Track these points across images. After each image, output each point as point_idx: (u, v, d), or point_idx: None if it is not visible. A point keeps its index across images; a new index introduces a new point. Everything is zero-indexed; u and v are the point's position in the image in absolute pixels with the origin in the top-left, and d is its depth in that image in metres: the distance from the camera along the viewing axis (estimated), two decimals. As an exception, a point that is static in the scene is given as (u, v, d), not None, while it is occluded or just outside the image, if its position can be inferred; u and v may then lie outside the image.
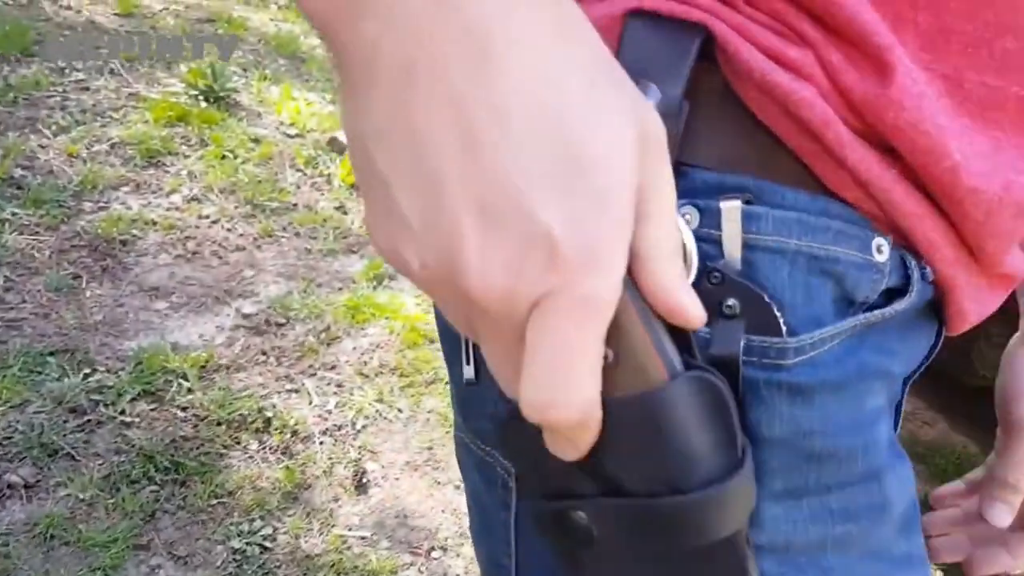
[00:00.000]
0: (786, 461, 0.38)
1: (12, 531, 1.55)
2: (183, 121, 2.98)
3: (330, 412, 2.04)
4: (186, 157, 2.82)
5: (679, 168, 0.38)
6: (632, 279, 0.29)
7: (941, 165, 0.36)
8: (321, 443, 1.94)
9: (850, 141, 0.36)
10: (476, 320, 0.28)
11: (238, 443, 1.88)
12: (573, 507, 0.32)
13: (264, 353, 2.16)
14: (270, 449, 1.89)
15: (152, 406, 1.90)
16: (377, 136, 0.27)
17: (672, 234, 0.29)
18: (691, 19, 0.37)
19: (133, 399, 1.89)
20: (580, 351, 0.26)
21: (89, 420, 1.81)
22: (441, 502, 1.88)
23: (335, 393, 2.10)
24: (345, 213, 2.80)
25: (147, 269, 2.31)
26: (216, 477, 1.76)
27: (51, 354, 1.94)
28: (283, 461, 1.86)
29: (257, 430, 1.92)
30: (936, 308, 0.45)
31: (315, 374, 2.14)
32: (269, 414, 1.96)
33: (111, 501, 1.65)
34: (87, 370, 1.92)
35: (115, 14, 3.60)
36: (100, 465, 1.72)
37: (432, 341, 2.29)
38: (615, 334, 0.28)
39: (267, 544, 1.67)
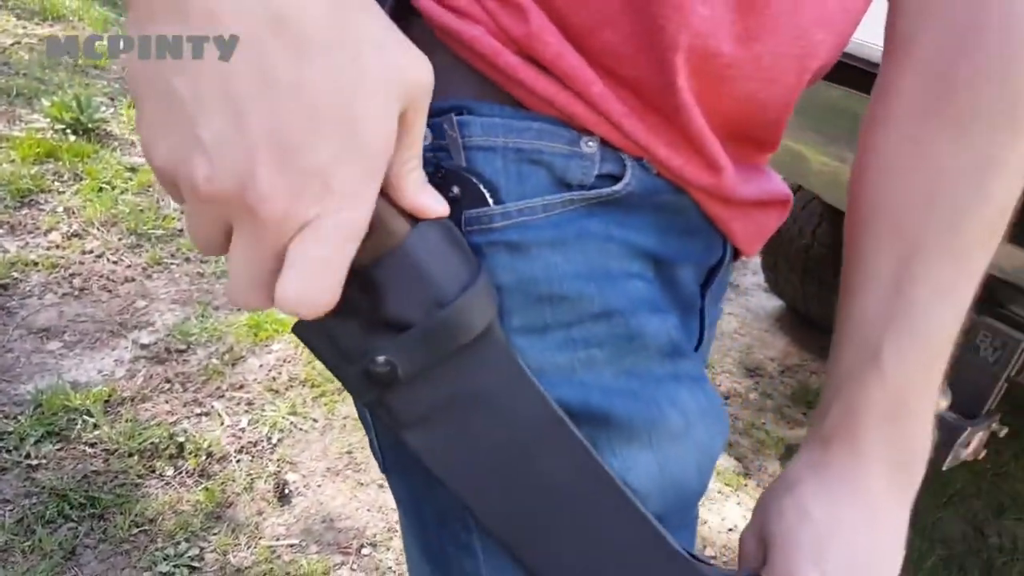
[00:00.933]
0: (519, 302, 0.47)
1: (-77, 589, 1.50)
2: (52, 157, 2.88)
3: (243, 430, 2.04)
4: (60, 193, 2.74)
5: None
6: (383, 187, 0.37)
7: (591, 89, 0.45)
8: (238, 461, 1.95)
9: (521, 65, 0.45)
10: (240, 231, 0.34)
11: (153, 471, 1.86)
12: (376, 352, 0.41)
13: (168, 381, 2.14)
14: (187, 473, 1.88)
15: (58, 446, 1.86)
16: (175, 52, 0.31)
17: (416, 156, 0.38)
18: None
19: (37, 441, 1.84)
20: (338, 264, 0.35)
21: (-8, 468, 1.76)
22: (366, 502, 1.92)
23: (246, 411, 2.10)
24: (235, 234, 2.77)
25: (33, 310, 2.25)
26: (134, 507, 1.75)
27: (-59, 407, 1.87)
28: (202, 483, 1.86)
29: (171, 456, 1.91)
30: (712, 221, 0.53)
31: (223, 395, 2.14)
32: (181, 439, 1.94)
33: (27, 544, 1.61)
34: (-17, 418, 1.86)
35: (-37, 53, 3.44)
36: (11, 511, 1.67)
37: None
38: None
39: (195, 564, 1.67)
